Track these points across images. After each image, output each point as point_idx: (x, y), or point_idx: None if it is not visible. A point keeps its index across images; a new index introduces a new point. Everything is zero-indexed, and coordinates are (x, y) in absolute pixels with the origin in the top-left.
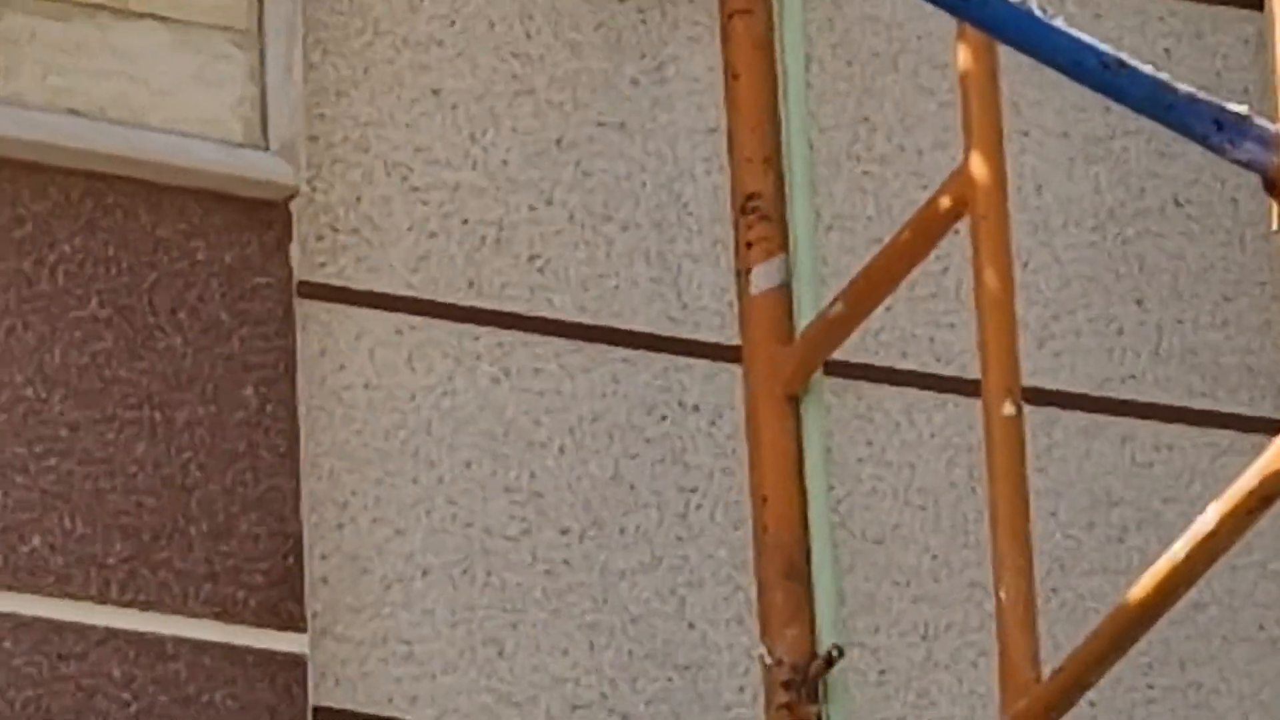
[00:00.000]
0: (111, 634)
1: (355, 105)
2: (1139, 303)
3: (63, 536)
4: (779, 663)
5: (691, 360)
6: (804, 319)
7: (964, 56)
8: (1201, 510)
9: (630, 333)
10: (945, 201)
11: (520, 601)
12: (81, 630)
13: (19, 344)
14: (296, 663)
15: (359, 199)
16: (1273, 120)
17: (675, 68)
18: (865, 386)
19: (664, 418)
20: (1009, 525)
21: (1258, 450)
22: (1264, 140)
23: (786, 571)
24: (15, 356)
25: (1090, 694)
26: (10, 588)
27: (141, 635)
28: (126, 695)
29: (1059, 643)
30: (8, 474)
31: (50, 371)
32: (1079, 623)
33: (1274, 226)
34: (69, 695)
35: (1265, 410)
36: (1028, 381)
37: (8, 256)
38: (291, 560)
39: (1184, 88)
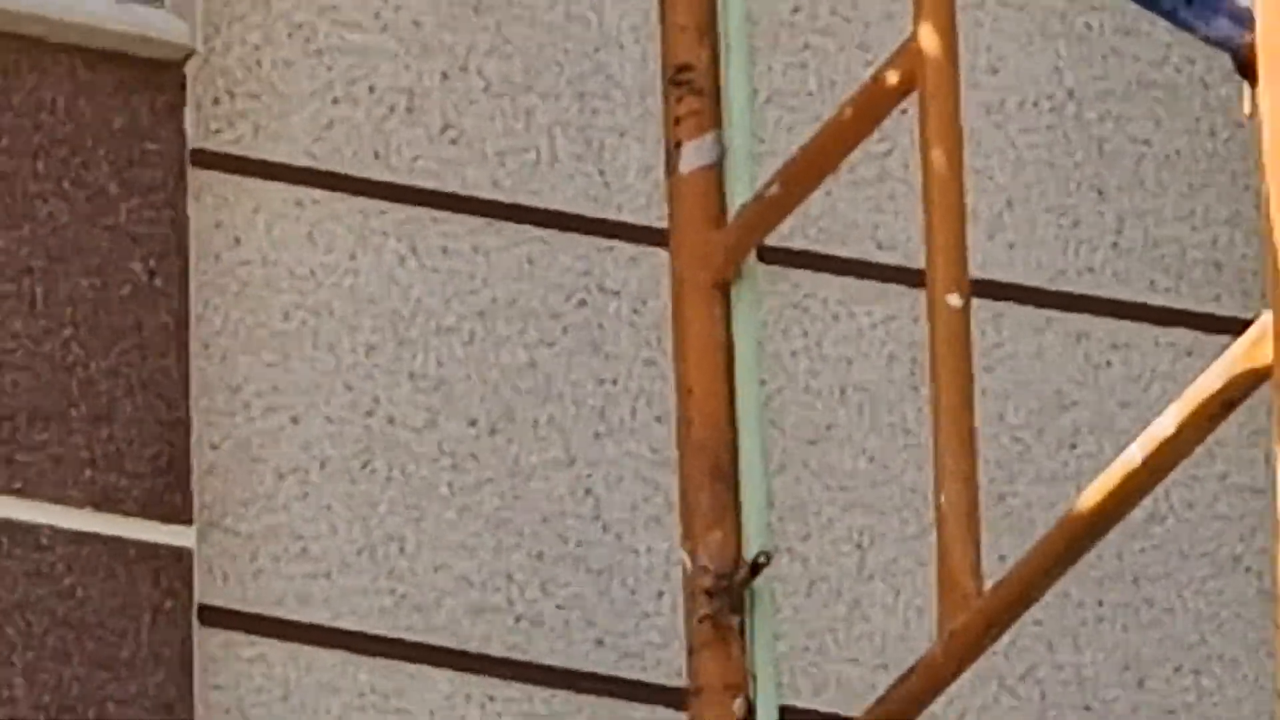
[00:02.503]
0: (25, 530)
1: None
2: (1099, 191)
3: None
4: (702, 569)
5: (614, 243)
6: (737, 200)
7: None
8: (1160, 414)
9: (548, 211)
10: (891, 77)
11: (424, 497)
12: None
13: None
14: (181, 557)
15: (259, 62)
16: (1247, 2)
17: None
18: (801, 274)
19: (583, 303)
20: (952, 427)
21: (1222, 351)
22: (1237, 17)
23: (712, 471)
24: None
25: (1035, 610)
26: None
27: (15, 523)
28: (57, 589)
29: (1003, 554)
30: None
31: None
32: (1025, 533)
33: (1246, 111)
34: None
35: (1232, 309)
36: (976, 273)
37: None
38: (178, 448)
39: None
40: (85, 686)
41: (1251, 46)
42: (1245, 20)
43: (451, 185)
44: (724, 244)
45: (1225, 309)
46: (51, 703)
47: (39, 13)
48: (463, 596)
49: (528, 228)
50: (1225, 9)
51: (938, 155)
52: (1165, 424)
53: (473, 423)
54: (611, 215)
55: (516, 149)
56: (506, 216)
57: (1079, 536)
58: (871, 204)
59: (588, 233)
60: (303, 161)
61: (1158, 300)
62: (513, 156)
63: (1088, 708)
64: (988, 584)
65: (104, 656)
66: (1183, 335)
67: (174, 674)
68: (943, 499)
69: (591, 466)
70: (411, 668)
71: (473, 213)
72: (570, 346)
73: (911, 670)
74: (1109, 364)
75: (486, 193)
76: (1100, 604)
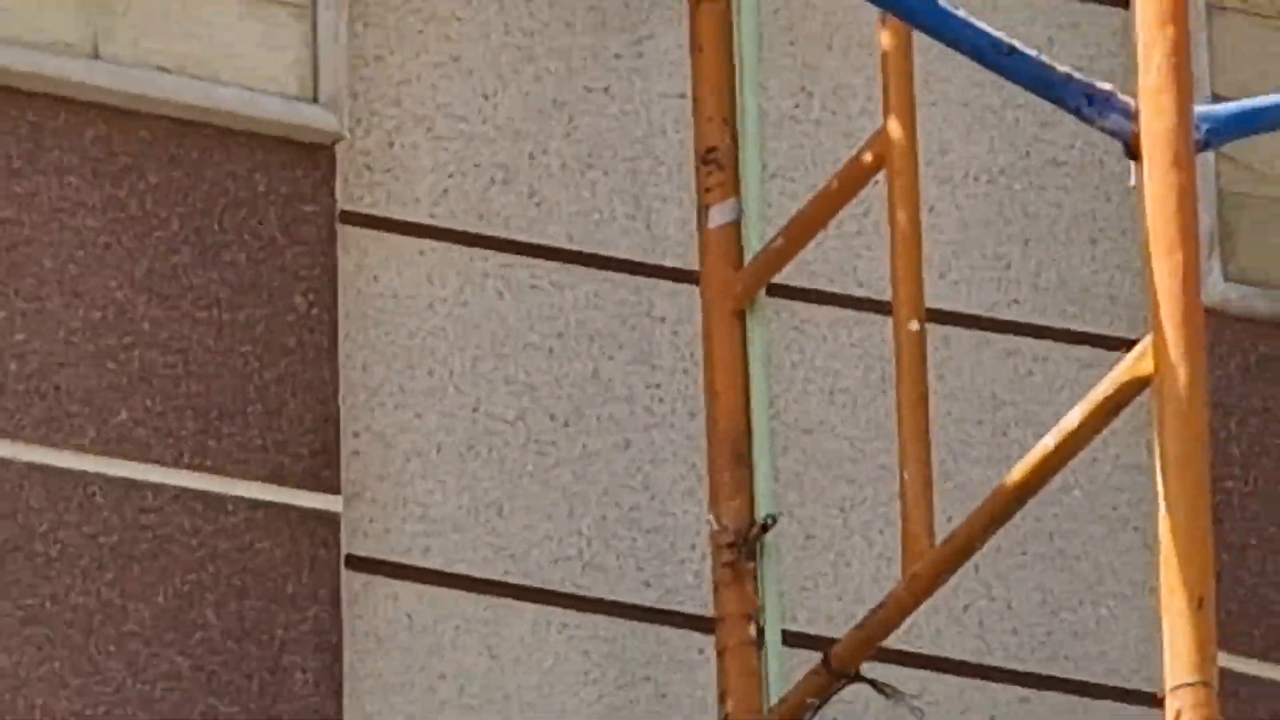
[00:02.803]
0: (184, 492)
1: (389, 68)
2: (1025, 243)
3: (144, 412)
4: (724, 529)
5: (659, 281)
6: (751, 250)
7: (885, 39)
8: (1068, 412)
9: (609, 258)
10: (867, 157)
11: (515, 474)
12: (159, 489)
13: (113, 256)
14: (332, 519)
15: (391, 145)
16: (1133, 98)
17: (651, 43)
18: (799, 305)
19: (635, 327)
20: (912, 421)
21: (1115, 364)
22: (1125, 113)
23: (731, 455)
24: (109, 265)
25: (975, 558)
26: (102, 453)
27: (207, 494)
28: (194, 542)
29: (950, 516)
30: (102, 360)
31: (138, 278)
32: (968, 501)
33: (1131, 183)
34: (146, 542)
35: (1121, 331)
36: (930, 304)
37: (105, 186)
38: (329, 436)
39: (1061, 69)
40: (261, 616)
41: (1136, 135)
42: (1131, 115)
43: (536, 238)
44: (741, 282)
45: (1117, 332)
46: (235, 629)
47: (227, 108)
48: (544, 548)
49: (593, 270)
50: (1117, 107)
51: (901, 215)
52: (1072, 419)
53: (552, 417)
54: (656, 260)
55: (585, 210)
56: (577, 261)
57: (1007, 503)
58: (852, 252)
59: (639, 274)
60: (425, 220)
61: (1067, 325)
62: (582, 216)
63: (1014, 631)
64: (939, 539)
65: (274, 594)
66: (1086, 352)
67: (326, 608)
68: (905, 475)
69: (641, 451)
70: (504, 602)
71: (552, 259)
72: (625, 360)
73: (882, 604)
74: (1031, 373)
75: (562, 243)
76: (1024, 553)
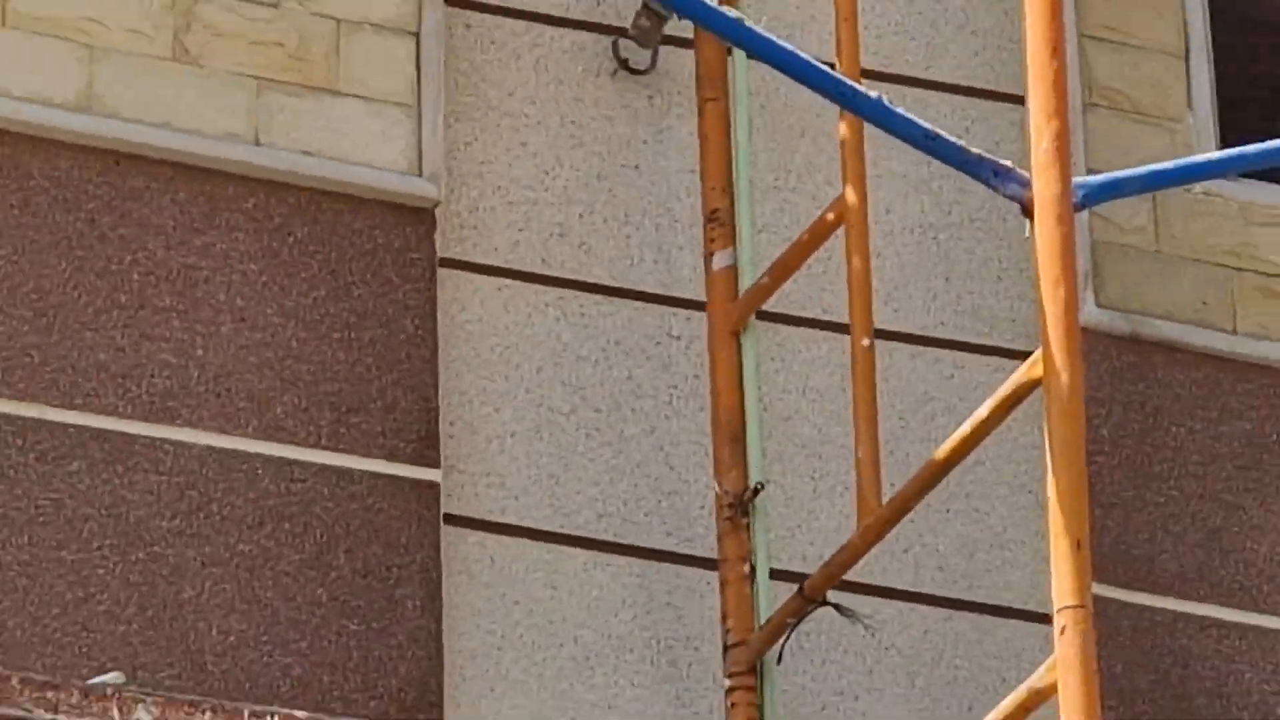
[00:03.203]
0: (323, 468)
1: (474, 151)
2: (947, 279)
3: (293, 408)
4: (725, 493)
5: (676, 309)
6: (744, 285)
7: (843, 129)
8: (980, 405)
9: (639, 291)
10: (830, 216)
11: (569, 453)
12: (304, 465)
13: (269, 292)
14: (433, 487)
15: (476, 208)
16: (1027, 171)
17: (670, 133)
18: (780, 327)
19: (658, 343)
20: (865, 411)
21: (1014, 369)
22: (1022, 183)
23: (731, 437)
24: (266, 299)
25: (910, 515)
26: (262, 438)
27: (340, 469)
28: (330, 505)
29: (893, 483)
30: (262, 369)
31: (288, 308)
32: (905, 471)
33: (1027, 235)
34: (295, 505)
35: (1020, 345)
36: (878, 325)
37: (263, 239)
38: (432, 426)
39: (975, 150)
40: (380, 560)
41: (1030, 200)
42: (1026, 185)
43: (584, 277)
44: (737, 310)
45: (1016, 346)
46: (361, 569)
47: (355, 181)
48: (591, 508)
49: (628, 300)
50: (1016, 178)
51: (856, 260)
52: (982, 411)
53: (596, 410)
54: (674, 294)
55: (621, 256)
56: (615, 295)
57: (935, 474)
58: (819, 287)
59: (661, 304)
60: (501, 264)
61: (979, 341)
62: (619, 260)
63: (940, 568)
64: (885, 500)
65: (391, 543)
66: (993, 361)
67: (429, 554)
68: (859, 454)
69: (663, 435)
70: (561, 548)
71: (596, 293)
72: (651, 368)
73: (842, 548)
74: (952, 377)
75: (604, 281)
76: (948, 510)
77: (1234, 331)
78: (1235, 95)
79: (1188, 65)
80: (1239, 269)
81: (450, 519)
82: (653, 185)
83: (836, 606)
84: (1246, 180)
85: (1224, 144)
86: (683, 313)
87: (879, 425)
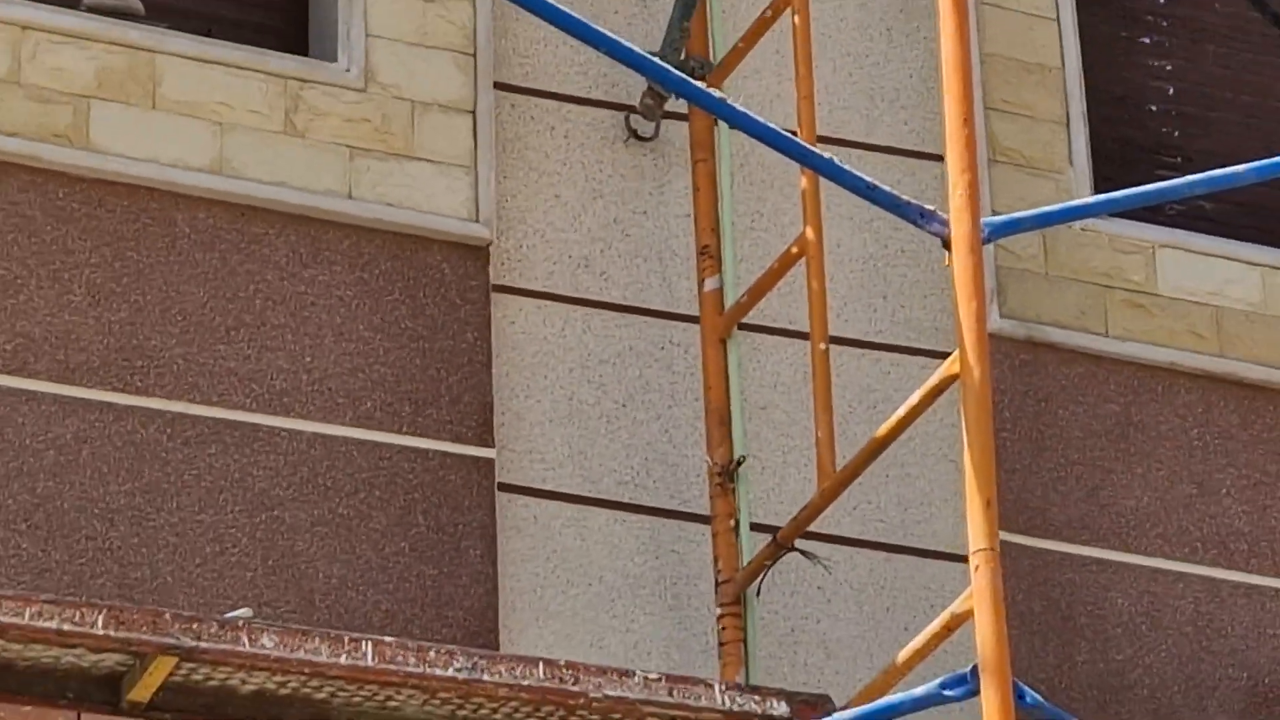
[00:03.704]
0: (404, 449)
1: (519, 201)
2: (885, 297)
3: (379, 402)
4: (716, 464)
5: (677, 322)
6: (729, 303)
7: (804, 180)
8: (911, 394)
9: (648, 309)
10: (794, 249)
11: (594, 435)
12: (388, 447)
13: (360, 311)
14: (489, 463)
15: (520, 246)
16: (947, 214)
17: (670, 185)
18: (757, 335)
19: (663, 349)
20: (822, 399)
21: (937, 367)
22: (942, 223)
23: (719, 421)
24: (359, 317)
25: (858, 479)
26: (355, 426)
27: (416, 449)
28: (409, 478)
29: (845, 455)
30: (356, 372)
31: (375, 323)
32: (854, 445)
33: (946, 262)
34: (382, 478)
35: (942, 347)
36: (832, 333)
37: (355, 272)
38: (487, 415)
39: (905, 197)
40: (448, 521)
41: (949, 236)
42: (946, 224)
43: (605, 298)
44: (724, 323)
45: (939, 348)
46: (434, 527)
47: (427, 225)
48: (611, 476)
49: (639, 316)
50: (938, 219)
51: (814, 283)
52: (914, 398)
53: (615, 402)
54: (676, 310)
55: (633, 282)
56: (630, 311)
57: (877, 448)
58: (787, 304)
59: (665, 319)
60: (540, 289)
61: (910, 344)
62: (632, 285)
63: (882, 520)
64: (839, 468)
65: (456, 507)
66: (922, 359)
67: (486, 514)
68: (818, 433)
69: (667, 421)
70: (589, 508)
71: (614, 310)
72: (658, 369)
73: (805, 506)
74: (889, 373)
75: (619, 301)
76: (887, 476)
77: (1106, 335)
78: (1105, 153)
79: (1068, 130)
80: (1109, 286)
81: (502, 487)
82: (657, 227)
83: (802, 551)
84: (1115, 219)
85: (1097, 191)
86: (681, 325)
87: (833, 411)
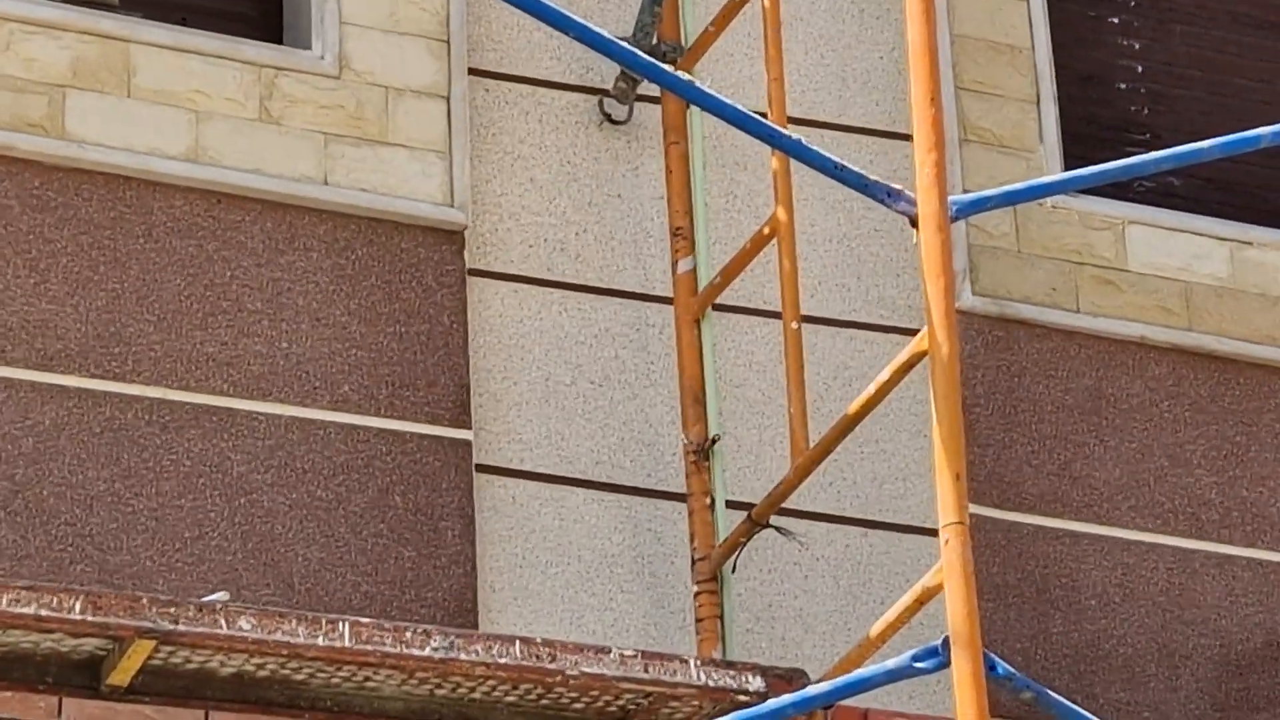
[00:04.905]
0: (382, 431)
1: (494, 186)
2: (858, 277)
3: (358, 386)
4: (691, 442)
5: (651, 303)
6: (702, 284)
7: (775, 162)
8: (881, 370)
9: (623, 290)
10: (766, 230)
11: (570, 415)
12: (367, 429)
13: (336, 296)
14: (466, 444)
15: (495, 230)
16: (915, 193)
17: (644, 167)
18: (730, 315)
19: (639, 330)
20: (795, 376)
21: (908, 343)
22: (910, 202)
23: (694, 400)
24: (334, 302)
25: (832, 455)
26: (335, 409)
27: (395, 431)
28: (388, 459)
29: (819, 431)
30: (335, 356)
31: (353, 309)
32: (827, 422)
33: (915, 241)
34: (363, 458)
35: (912, 324)
36: (804, 312)
37: (333, 257)
38: (464, 397)
39: (873, 176)
40: (427, 500)
41: (916, 215)
42: (914, 203)
43: (580, 280)
44: (697, 303)
45: (909, 325)
46: (413, 507)
47: (404, 211)
48: (588, 456)
49: (614, 298)
50: (905, 198)
51: (786, 263)
52: (885, 374)
53: (591, 382)
54: (650, 291)
55: (609, 264)
56: (605, 294)
57: (850, 423)
58: (759, 284)
59: (640, 300)
60: (516, 272)
61: (881, 321)
62: (607, 266)
63: (857, 495)
64: (812, 444)
65: (435, 487)
66: (894, 337)
67: (465, 494)
68: (791, 409)
69: (643, 400)
70: (566, 488)
71: (589, 292)
72: (634, 349)
73: (780, 482)
74: (862, 350)
75: (594, 283)
76: (861, 452)
77: (1077, 311)
78: (1075, 131)
79: (1039, 109)
80: (1080, 263)
81: (480, 468)
82: (630, 209)
83: (777, 528)
84: (1084, 195)
85: (1067, 168)
86: (655, 306)
87: (806, 388)
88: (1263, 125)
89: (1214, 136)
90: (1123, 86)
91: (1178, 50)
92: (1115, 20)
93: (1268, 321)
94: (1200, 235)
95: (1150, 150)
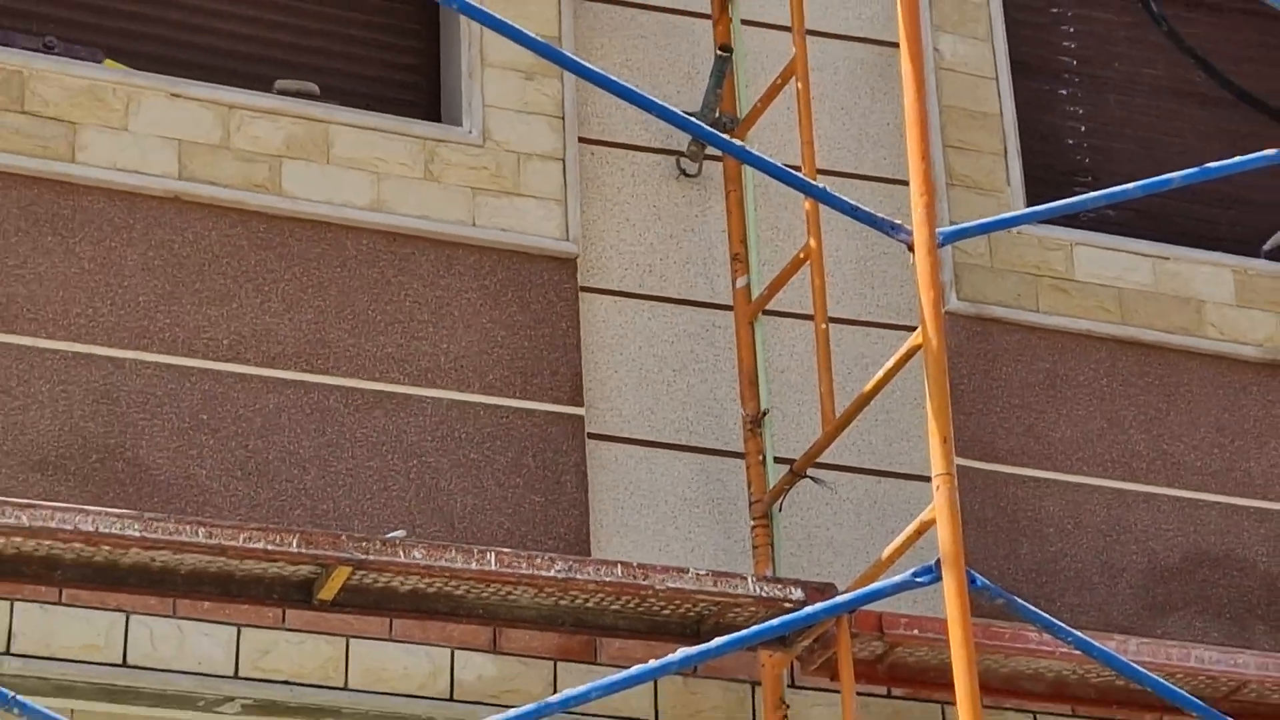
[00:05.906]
0: (514, 409)
1: (601, 225)
2: (873, 288)
3: (499, 378)
4: (748, 414)
5: (718, 310)
6: (754, 296)
7: (807, 205)
8: (884, 364)
9: (697, 301)
10: (801, 255)
11: (657, 394)
12: (503, 408)
13: (487, 310)
14: (579, 418)
15: (600, 258)
16: (910, 226)
17: (711, 209)
18: (777, 319)
19: (708, 330)
20: (824, 364)
21: (906, 338)
22: (907, 232)
23: (750, 382)
24: (488, 314)
25: (853, 423)
26: (488, 394)
27: (523, 409)
28: (515, 433)
29: (843, 404)
30: (487, 353)
31: (499, 320)
32: (849, 397)
33: (912, 262)
34: (494, 431)
35: (909, 322)
36: (831, 315)
37: (481, 279)
38: (578, 384)
39: (881, 214)
40: (549, 465)
41: (912, 243)
42: (910, 234)
43: (664, 294)
44: (752, 310)
45: (907, 323)
46: (538, 468)
47: (529, 244)
48: (671, 425)
49: (691, 307)
50: (904, 230)
51: (816, 280)
52: (890, 363)
53: (674, 370)
54: (716, 301)
55: (685, 281)
56: (683, 304)
57: (865, 399)
58: (797, 294)
59: (709, 308)
60: (615, 288)
61: (888, 321)
62: (684, 284)
63: (873, 450)
64: (838, 415)
65: (555, 452)
66: (896, 334)
67: (579, 458)
68: (821, 388)
69: (713, 384)
70: (654, 449)
71: (670, 303)
72: (704, 345)
73: (814, 443)
74: (876, 344)
75: (673, 295)
76: (875, 421)
77: (1038, 311)
78: (1035, 176)
79: (1006, 161)
80: (1039, 275)
81: (591, 435)
82: (701, 240)
83: (812, 478)
84: (1042, 225)
85: (1029, 204)
86: (720, 313)
87: (832, 372)
88: (1174, 171)
89: (1139, 180)
90: (1070, 142)
91: (1113, 114)
92: (1064, 92)
93: (1182, 318)
94: (1130, 253)
95: (1092, 190)
